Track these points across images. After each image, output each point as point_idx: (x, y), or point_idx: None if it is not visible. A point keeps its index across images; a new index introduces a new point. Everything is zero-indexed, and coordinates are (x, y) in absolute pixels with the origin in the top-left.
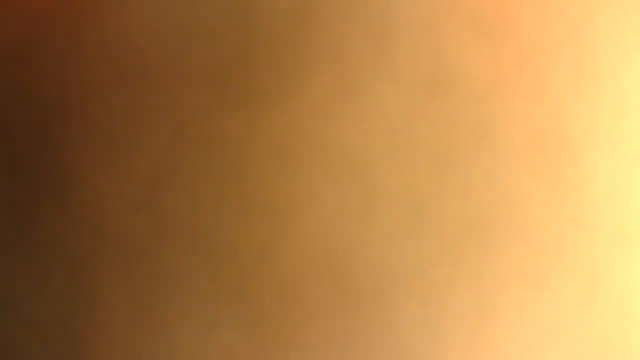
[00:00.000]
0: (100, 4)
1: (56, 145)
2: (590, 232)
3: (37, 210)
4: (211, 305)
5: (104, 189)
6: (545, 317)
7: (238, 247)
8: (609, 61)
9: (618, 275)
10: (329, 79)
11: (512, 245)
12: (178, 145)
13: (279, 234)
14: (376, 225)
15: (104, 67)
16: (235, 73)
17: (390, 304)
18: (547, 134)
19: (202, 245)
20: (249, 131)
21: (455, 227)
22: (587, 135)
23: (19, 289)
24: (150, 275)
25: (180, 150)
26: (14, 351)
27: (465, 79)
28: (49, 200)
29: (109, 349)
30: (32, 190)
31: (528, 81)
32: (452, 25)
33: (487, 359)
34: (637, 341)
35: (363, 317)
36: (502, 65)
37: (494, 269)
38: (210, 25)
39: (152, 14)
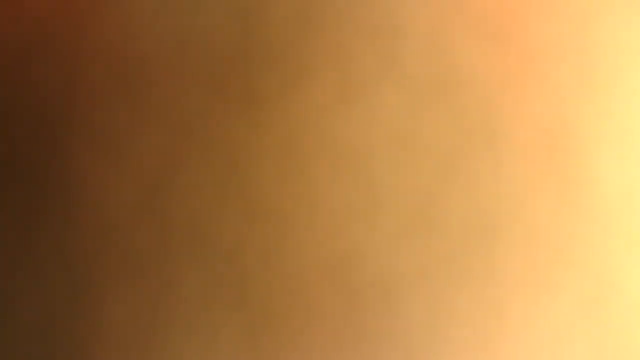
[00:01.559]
0: (101, 6)
1: (57, 147)
2: (599, 233)
3: (39, 213)
4: (215, 309)
5: (105, 192)
6: (554, 319)
7: (242, 250)
8: (614, 61)
9: (628, 277)
10: (334, 80)
11: (519, 246)
12: (180, 147)
13: (283, 237)
14: (382, 226)
15: (106, 69)
16: (239, 74)
17: (396, 306)
18: (554, 135)
19: (205, 248)
20: (252, 133)
21: (461, 228)
22: (594, 136)
23: (21, 293)
24: (153, 279)
25: (182, 153)
26: (16, 356)
27: (470, 80)
28: (50, 203)
29: (111, 353)
30: (33, 193)
31: (533, 83)
32: (457, 27)
33: None
34: None
35: (369, 320)
36: (507, 66)
37: (501, 270)
38: (213, 27)
39: (154, 15)
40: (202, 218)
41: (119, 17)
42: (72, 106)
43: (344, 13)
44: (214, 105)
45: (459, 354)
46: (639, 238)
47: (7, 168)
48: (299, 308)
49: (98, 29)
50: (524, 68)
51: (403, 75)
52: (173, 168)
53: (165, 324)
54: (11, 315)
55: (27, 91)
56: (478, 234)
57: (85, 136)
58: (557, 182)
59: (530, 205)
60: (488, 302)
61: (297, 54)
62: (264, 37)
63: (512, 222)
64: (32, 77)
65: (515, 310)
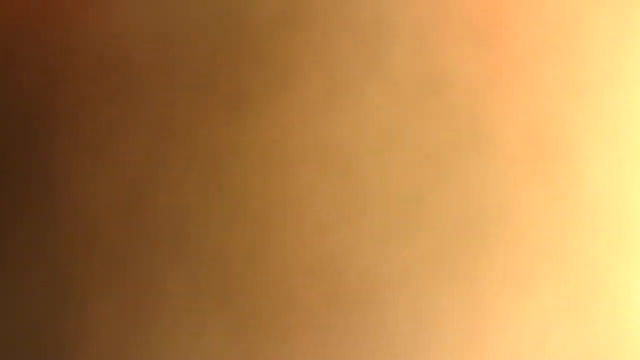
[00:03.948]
0: (86, 5)
1: (41, 147)
2: (584, 234)
3: (22, 213)
4: (200, 309)
5: (89, 192)
6: (537, 317)
7: (226, 250)
8: (601, 63)
9: (611, 278)
10: (320, 81)
11: (504, 246)
12: (165, 148)
13: (267, 237)
14: (367, 227)
15: (90, 68)
16: (224, 75)
17: (381, 305)
18: (540, 136)
19: (190, 248)
20: (237, 133)
21: (447, 229)
22: (580, 137)
23: (4, 294)
24: (138, 279)
25: (167, 153)
26: (1, 357)
27: (457, 80)
28: (33, 203)
29: (96, 352)
30: (16, 194)
31: (520, 84)
32: (444, 28)
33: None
34: (629, 344)
35: (354, 319)
36: (494, 67)
37: (486, 270)
38: (198, 28)
39: (141, 15)
40: (186, 218)
41: (103, 16)
42: (55, 106)
43: (330, 14)
44: (199, 106)
45: (443, 352)
46: (623, 238)
47: None
48: (283, 307)
49: (82, 29)
50: (510, 68)
51: (389, 76)
52: (157, 168)
53: (150, 324)
54: None
55: (9, 91)
56: (463, 234)
57: (68, 136)
58: (543, 182)
59: (515, 206)
60: (472, 302)
61: (282, 55)
62: (250, 38)
63: (498, 222)
64: (16, 76)
65: (500, 309)
